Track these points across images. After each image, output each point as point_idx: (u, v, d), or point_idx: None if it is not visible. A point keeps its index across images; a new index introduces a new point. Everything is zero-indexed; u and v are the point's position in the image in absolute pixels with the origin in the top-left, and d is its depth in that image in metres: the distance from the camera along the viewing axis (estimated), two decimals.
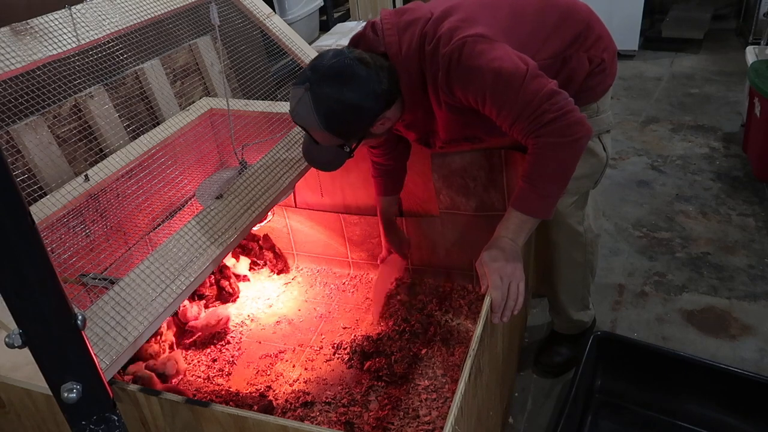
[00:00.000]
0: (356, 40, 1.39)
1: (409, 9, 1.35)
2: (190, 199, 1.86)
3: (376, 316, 1.93)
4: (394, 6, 4.69)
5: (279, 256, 2.20)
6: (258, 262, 2.18)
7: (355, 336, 1.89)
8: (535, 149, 1.21)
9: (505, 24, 1.33)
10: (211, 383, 1.75)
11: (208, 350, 1.88)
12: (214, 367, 1.81)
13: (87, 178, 1.60)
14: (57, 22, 1.35)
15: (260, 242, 2.20)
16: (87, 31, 1.39)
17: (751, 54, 2.97)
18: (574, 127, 1.18)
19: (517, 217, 1.24)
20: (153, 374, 1.59)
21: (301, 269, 2.22)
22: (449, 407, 0.97)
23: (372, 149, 1.68)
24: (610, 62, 1.47)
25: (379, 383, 1.69)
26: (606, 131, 1.57)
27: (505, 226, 1.25)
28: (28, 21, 1.31)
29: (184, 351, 1.85)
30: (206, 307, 1.94)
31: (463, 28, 1.26)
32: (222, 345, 1.90)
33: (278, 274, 2.18)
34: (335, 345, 1.85)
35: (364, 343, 1.80)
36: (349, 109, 1.24)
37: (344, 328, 1.93)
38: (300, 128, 1.37)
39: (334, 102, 1.23)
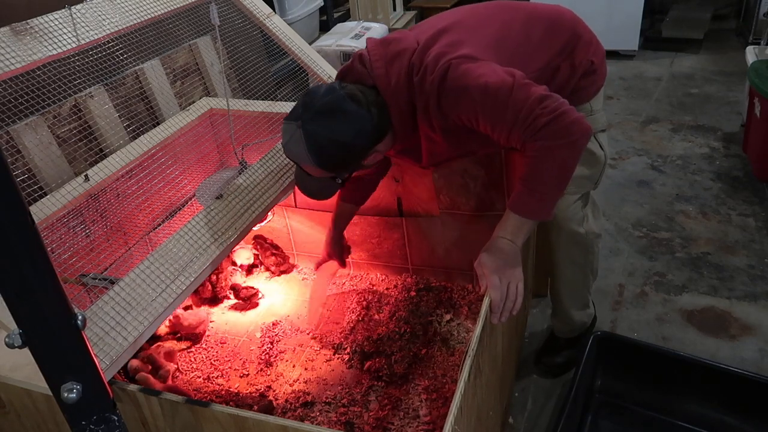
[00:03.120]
0: (344, 73, 1.39)
1: (395, 39, 1.36)
2: (190, 199, 1.86)
3: (312, 323, 1.92)
4: (394, 6, 4.69)
5: (280, 256, 2.19)
6: (257, 264, 2.19)
7: (355, 336, 1.88)
8: (533, 153, 1.20)
9: (492, 41, 1.34)
10: (211, 383, 1.75)
11: (208, 350, 1.88)
12: (214, 367, 1.81)
13: (87, 178, 1.60)
14: (57, 22, 1.35)
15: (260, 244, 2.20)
16: (87, 31, 1.39)
17: (751, 54, 2.97)
18: (570, 128, 1.18)
19: (516, 218, 1.24)
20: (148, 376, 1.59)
21: (301, 269, 2.22)
22: (449, 407, 0.97)
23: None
24: (600, 64, 1.49)
25: (379, 383, 1.69)
26: (601, 130, 1.58)
27: (503, 227, 1.25)
28: (28, 21, 1.31)
29: (185, 352, 1.86)
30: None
31: (448, 52, 1.27)
32: (222, 345, 1.90)
33: (279, 275, 2.18)
34: (335, 345, 1.85)
35: (364, 344, 1.80)
36: (341, 146, 1.24)
37: (345, 328, 1.93)
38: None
39: (325, 140, 1.24)
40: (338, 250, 1.88)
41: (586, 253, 1.71)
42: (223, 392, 1.66)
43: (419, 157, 1.46)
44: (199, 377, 1.78)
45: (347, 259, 2.17)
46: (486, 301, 1.18)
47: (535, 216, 1.24)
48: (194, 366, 1.82)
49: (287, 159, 1.59)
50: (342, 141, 1.24)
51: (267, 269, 2.17)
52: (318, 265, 1.94)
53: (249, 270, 2.17)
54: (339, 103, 1.24)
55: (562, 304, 1.81)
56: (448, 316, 1.90)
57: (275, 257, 2.16)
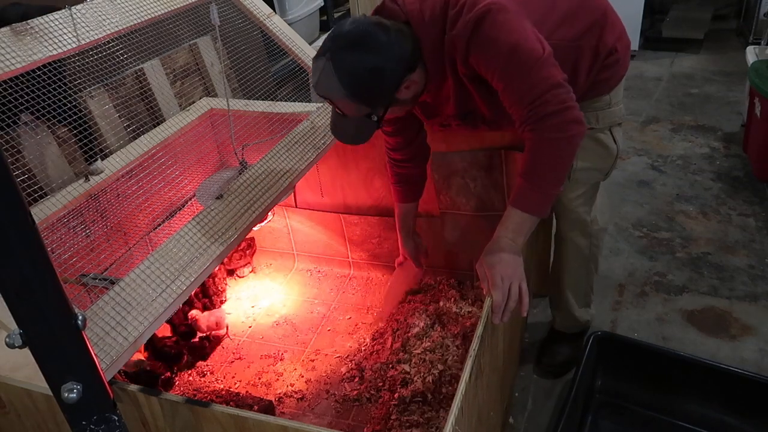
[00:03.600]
0: (376, 13, 1.36)
1: None
2: (190, 199, 1.86)
3: (383, 316, 1.92)
4: None
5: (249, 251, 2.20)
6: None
7: (355, 336, 1.89)
8: (531, 145, 1.21)
9: (518, 5, 1.31)
10: (211, 383, 1.75)
11: (209, 350, 1.88)
12: (214, 368, 1.81)
13: (87, 178, 1.60)
14: (57, 22, 1.35)
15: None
16: (87, 31, 1.39)
17: (751, 54, 2.97)
18: (570, 125, 1.18)
19: (517, 215, 1.24)
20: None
21: (301, 269, 2.22)
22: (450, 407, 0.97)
23: (389, 140, 1.63)
24: (624, 53, 1.48)
25: (380, 383, 1.68)
26: (617, 124, 1.57)
27: (504, 227, 1.25)
28: (28, 21, 1.31)
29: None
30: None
31: None
32: (222, 345, 1.90)
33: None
34: (335, 345, 1.85)
35: (365, 344, 1.80)
36: (372, 73, 1.22)
37: (345, 327, 1.93)
38: (325, 102, 1.34)
39: (356, 68, 1.21)
40: (413, 251, 1.84)
41: (591, 243, 1.71)
42: (223, 392, 1.66)
43: (437, 104, 1.44)
44: (200, 377, 1.78)
45: (350, 260, 2.17)
46: (488, 302, 1.18)
47: (535, 211, 1.23)
48: (194, 366, 1.82)
49: (287, 158, 1.59)
50: (372, 67, 1.21)
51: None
52: (399, 264, 1.90)
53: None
54: (367, 32, 1.22)
55: (564, 298, 1.81)
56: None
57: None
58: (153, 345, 1.75)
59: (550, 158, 1.20)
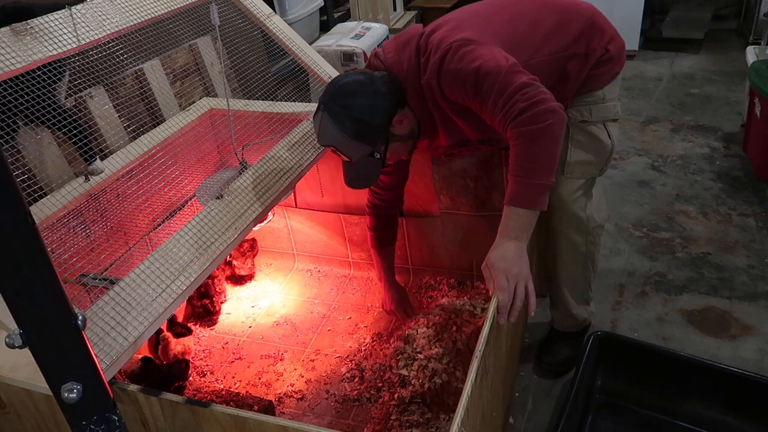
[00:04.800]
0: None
1: (405, 32, 1.49)
2: (190, 199, 1.86)
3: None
4: (394, 6, 4.69)
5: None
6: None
7: (355, 336, 1.89)
8: (513, 142, 1.26)
9: (498, 28, 1.43)
10: (211, 383, 1.75)
11: (209, 350, 1.88)
12: (214, 368, 1.81)
13: (87, 178, 1.60)
14: (57, 22, 1.35)
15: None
16: (87, 31, 1.39)
17: (751, 54, 2.97)
18: (544, 115, 1.23)
19: (515, 213, 1.25)
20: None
21: (301, 269, 2.22)
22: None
23: (381, 179, 1.72)
24: (617, 53, 1.53)
25: (380, 384, 1.68)
26: (612, 120, 1.60)
27: (505, 226, 1.26)
28: (29, 21, 1.31)
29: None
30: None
31: (450, 36, 1.37)
32: (222, 345, 1.90)
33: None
34: (335, 345, 1.85)
35: (365, 344, 1.80)
36: (365, 111, 1.35)
37: (345, 327, 1.93)
38: (321, 146, 1.47)
39: (350, 110, 1.35)
40: (398, 298, 1.89)
41: (587, 240, 1.71)
42: (223, 392, 1.66)
43: (442, 138, 1.53)
44: (200, 377, 1.78)
45: (350, 260, 2.17)
46: (493, 302, 1.18)
47: (530, 204, 1.25)
48: (195, 366, 1.82)
49: (287, 158, 1.59)
50: (364, 104, 1.35)
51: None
52: (388, 311, 1.94)
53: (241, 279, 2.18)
54: (355, 78, 1.38)
55: (562, 296, 1.81)
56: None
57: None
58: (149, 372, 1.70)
59: (532, 150, 1.24)
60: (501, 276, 1.20)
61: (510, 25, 1.45)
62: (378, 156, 1.41)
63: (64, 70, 1.48)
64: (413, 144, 1.52)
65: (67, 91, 1.61)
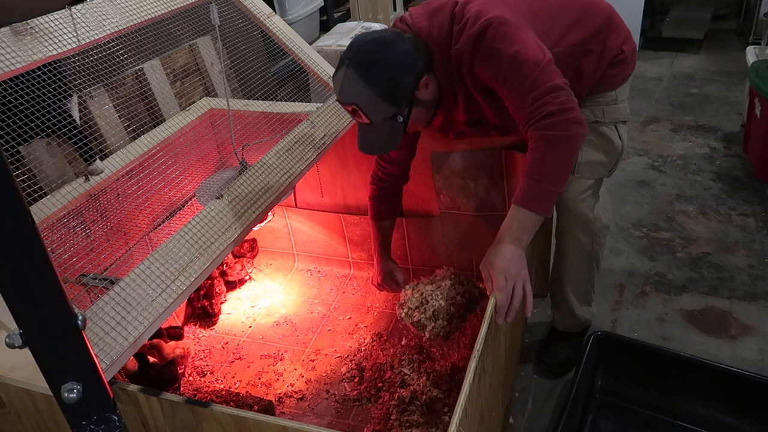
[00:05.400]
0: None
1: (435, 0, 1.43)
2: (190, 199, 1.86)
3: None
4: (394, 6, 4.69)
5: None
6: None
7: (355, 336, 1.89)
8: (533, 143, 1.24)
9: (525, 10, 1.40)
10: (211, 383, 1.75)
11: (209, 350, 1.88)
12: (214, 368, 1.81)
13: (87, 178, 1.60)
14: (57, 22, 1.35)
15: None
16: (87, 31, 1.39)
17: (751, 54, 2.97)
18: (571, 125, 1.22)
19: (521, 214, 1.25)
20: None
21: (301, 269, 2.22)
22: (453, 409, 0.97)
23: (382, 164, 1.70)
24: (630, 54, 1.54)
25: (380, 384, 1.68)
26: (623, 121, 1.61)
27: (508, 226, 1.25)
28: (28, 21, 1.31)
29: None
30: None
31: (488, 10, 1.32)
32: (222, 345, 1.90)
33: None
34: (335, 345, 1.85)
35: (365, 344, 1.80)
36: (394, 67, 1.29)
37: (345, 327, 1.93)
38: (350, 113, 1.38)
39: (378, 66, 1.28)
40: (390, 273, 1.83)
41: (593, 241, 1.72)
42: (223, 392, 1.66)
43: (461, 113, 1.49)
44: (200, 377, 1.78)
45: (350, 260, 2.17)
46: (491, 302, 1.18)
47: (539, 209, 1.24)
48: (195, 366, 1.82)
49: (287, 158, 1.59)
50: (393, 62, 1.28)
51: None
52: (377, 285, 1.87)
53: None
54: (383, 36, 1.32)
55: (565, 295, 1.81)
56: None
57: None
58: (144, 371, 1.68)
59: (552, 156, 1.23)
60: (500, 276, 1.20)
61: (534, 10, 1.42)
62: (400, 120, 1.34)
63: (71, 93, 1.48)
64: (433, 113, 1.45)
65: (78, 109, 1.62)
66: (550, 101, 1.22)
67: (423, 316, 1.44)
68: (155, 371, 1.63)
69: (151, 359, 1.66)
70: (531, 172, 1.24)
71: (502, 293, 1.18)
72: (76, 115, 1.60)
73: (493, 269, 1.21)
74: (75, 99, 1.56)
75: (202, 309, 1.98)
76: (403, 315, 1.47)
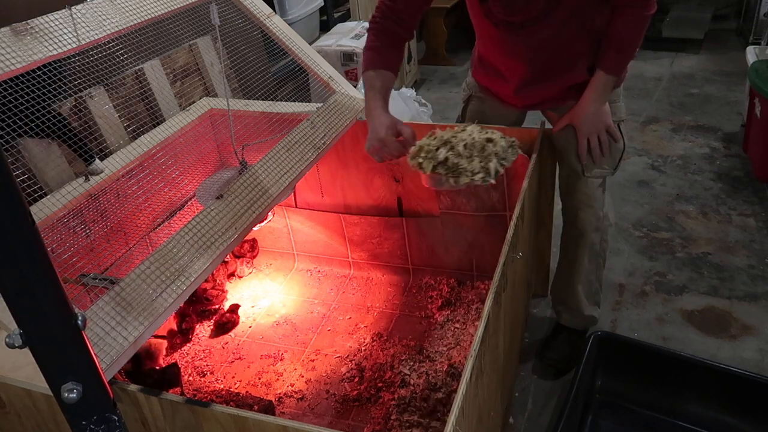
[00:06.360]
0: None
1: None
2: (190, 199, 1.86)
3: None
4: None
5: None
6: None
7: (355, 336, 1.89)
8: (624, 18, 1.44)
9: None
10: (211, 383, 1.75)
11: (209, 350, 1.88)
12: (214, 368, 1.81)
13: (87, 178, 1.60)
14: (57, 22, 1.35)
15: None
16: (87, 31, 1.39)
17: (751, 54, 2.97)
18: (654, 4, 1.43)
19: (607, 79, 1.50)
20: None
21: (301, 269, 2.22)
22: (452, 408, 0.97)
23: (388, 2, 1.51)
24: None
25: (380, 384, 1.69)
26: (621, 120, 1.66)
27: (595, 90, 1.52)
28: (28, 21, 1.31)
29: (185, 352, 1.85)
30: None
31: None
32: (222, 345, 1.90)
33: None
34: (335, 345, 1.85)
35: (365, 344, 1.80)
36: None
37: (345, 327, 1.93)
38: None
39: None
40: (389, 126, 1.44)
41: (601, 239, 1.74)
42: (223, 392, 1.67)
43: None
44: (200, 377, 1.78)
45: (350, 260, 2.17)
46: (489, 302, 1.18)
47: (618, 72, 1.52)
48: (195, 366, 1.82)
49: (287, 158, 1.59)
50: None
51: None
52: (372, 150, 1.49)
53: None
54: None
55: (576, 296, 1.80)
56: (448, 316, 1.90)
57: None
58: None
59: (637, 32, 1.47)
60: (583, 140, 1.56)
61: None
62: None
63: (71, 93, 1.48)
64: None
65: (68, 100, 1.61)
66: None
67: (451, 153, 1.16)
68: (157, 374, 1.64)
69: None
70: (619, 45, 1.47)
71: (585, 153, 1.58)
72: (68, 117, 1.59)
73: (580, 134, 1.55)
74: (70, 102, 1.56)
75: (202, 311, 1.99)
76: (421, 162, 1.17)
